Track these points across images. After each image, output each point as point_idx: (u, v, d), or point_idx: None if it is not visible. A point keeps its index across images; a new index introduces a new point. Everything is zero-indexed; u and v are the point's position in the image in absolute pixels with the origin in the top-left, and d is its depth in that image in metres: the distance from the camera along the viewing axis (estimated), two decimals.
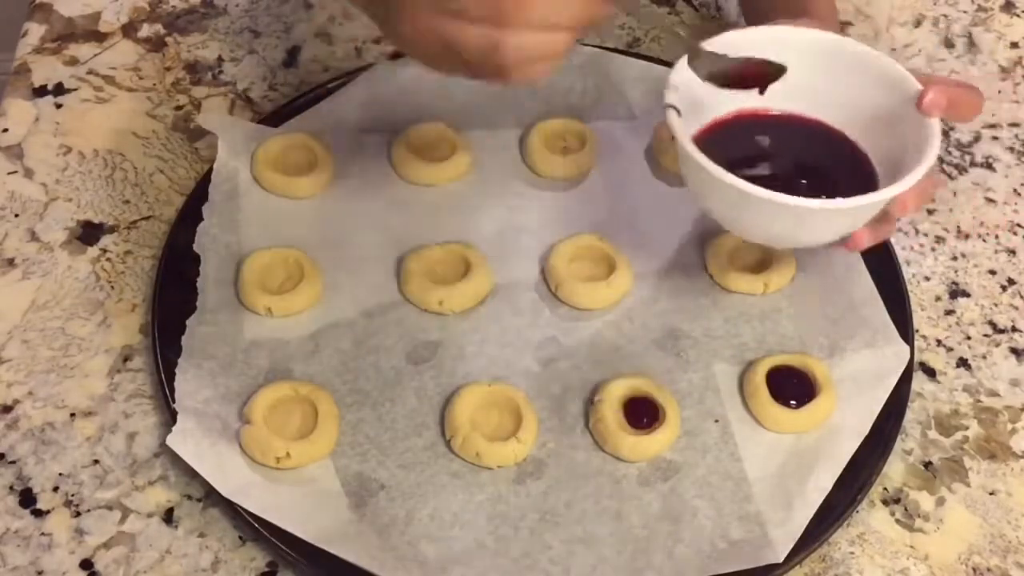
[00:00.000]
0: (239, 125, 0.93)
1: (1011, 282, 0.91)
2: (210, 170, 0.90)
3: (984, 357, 0.86)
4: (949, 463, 0.81)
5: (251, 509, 0.74)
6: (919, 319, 0.87)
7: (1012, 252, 0.92)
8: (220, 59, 1.01)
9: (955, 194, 0.96)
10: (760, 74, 0.76)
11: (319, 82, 0.97)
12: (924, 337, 0.87)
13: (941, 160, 0.97)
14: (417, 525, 0.75)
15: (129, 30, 1.03)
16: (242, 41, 1.02)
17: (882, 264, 0.88)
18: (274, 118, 0.94)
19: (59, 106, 0.97)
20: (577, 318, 0.85)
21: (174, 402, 0.78)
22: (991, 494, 0.80)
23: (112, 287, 0.86)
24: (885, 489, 0.79)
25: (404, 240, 0.88)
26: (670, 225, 0.91)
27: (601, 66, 0.98)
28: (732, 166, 0.72)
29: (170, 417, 0.77)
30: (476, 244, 0.88)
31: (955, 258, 0.92)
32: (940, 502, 0.79)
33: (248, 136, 0.92)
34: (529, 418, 0.79)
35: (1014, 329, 0.88)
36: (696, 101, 0.77)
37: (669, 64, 0.98)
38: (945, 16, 1.08)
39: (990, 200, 0.95)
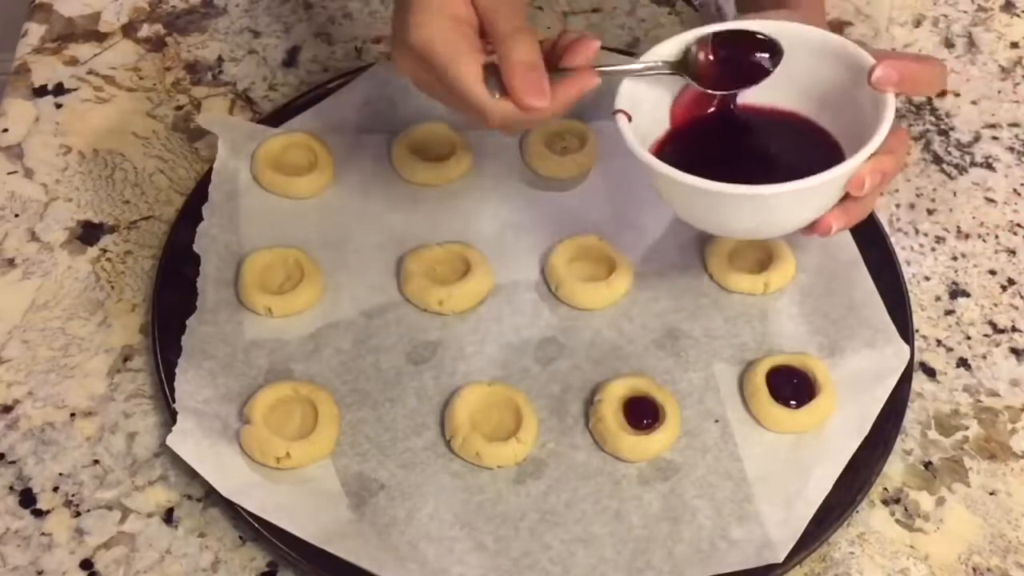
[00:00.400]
0: (239, 125, 0.93)
1: (1011, 282, 0.91)
2: (210, 170, 0.90)
3: (984, 357, 0.86)
4: (949, 463, 0.81)
5: (251, 509, 0.74)
6: (919, 319, 0.87)
7: (1012, 252, 0.92)
8: (220, 59, 1.01)
9: (955, 194, 0.96)
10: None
11: (319, 82, 0.97)
12: (924, 337, 0.87)
13: (941, 160, 0.97)
14: (417, 525, 0.75)
15: (129, 30, 1.03)
16: (242, 41, 1.02)
17: (882, 264, 0.88)
18: (274, 118, 0.94)
19: (59, 106, 0.97)
20: (577, 318, 0.85)
21: (174, 402, 0.78)
22: (991, 494, 0.80)
23: (112, 287, 0.86)
24: (885, 489, 0.79)
25: (404, 240, 0.88)
26: (670, 225, 0.91)
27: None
28: (696, 164, 0.72)
29: (170, 417, 0.77)
30: (476, 244, 0.88)
31: (955, 258, 0.92)
32: (940, 502, 0.79)
33: (248, 136, 0.92)
34: (529, 418, 0.79)
35: (1014, 329, 0.88)
36: (655, 104, 0.78)
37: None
38: (945, 16, 1.08)
39: (990, 200, 0.95)
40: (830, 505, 0.76)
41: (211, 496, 0.76)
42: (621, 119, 0.75)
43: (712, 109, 0.81)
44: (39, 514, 0.76)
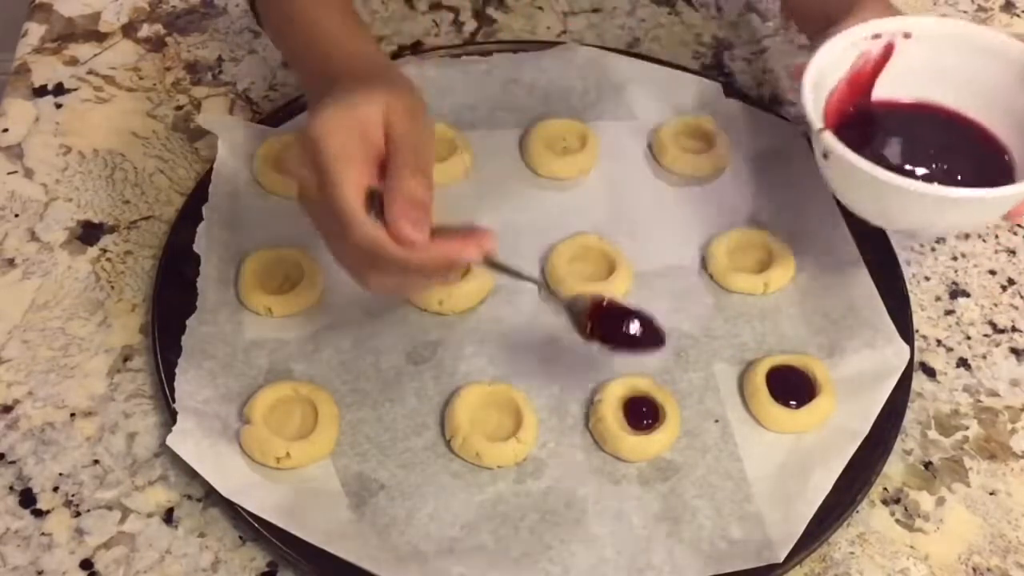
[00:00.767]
0: (239, 125, 0.93)
1: (1011, 282, 0.91)
2: (210, 170, 0.90)
3: (984, 357, 0.86)
4: (949, 463, 0.81)
5: (251, 509, 0.74)
6: (919, 319, 0.87)
7: (1012, 252, 0.92)
8: (220, 59, 1.01)
9: None
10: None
11: None
12: (924, 337, 0.87)
13: None
14: (417, 525, 0.75)
15: (129, 30, 1.03)
16: (242, 41, 1.02)
17: (882, 264, 0.88)
18: (274, 118, 0.94)
19: (59, 106, 0.97)
20: None
21: (174, 402, 0.78)
22: (991, 494, 0.80)
23: (112, 287, 0.86)
24: (885, 489, 0.79)
25: None
26: (670, 225, 0.91)
27: (601, 66, 0.98)
28: (871, 157, 0.74)
29: (170, 417, 0.77)
30: None
31: (955, 258, 0.92)
32: (940, 502, 0.79)
33: (248, 136, 0.92)
34: (529, 418, 0.79)
35: (1014, 329, 0.88)
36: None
37: (669, 64, 0.99)
38: (945, 16, 1.08)
39: None
40: (830, 505, 0.76)
41: (211, 496, 0.76)
42: (828, 137, 0.75)
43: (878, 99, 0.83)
44: (39, 514, 0.76)
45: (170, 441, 0.76)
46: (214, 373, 0.80)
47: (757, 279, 0.86)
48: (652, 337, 0.76)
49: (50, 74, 0.99)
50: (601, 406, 0.79)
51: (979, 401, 0.84)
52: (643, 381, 0.80)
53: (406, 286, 0.71)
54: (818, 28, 0.82)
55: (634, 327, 0.76)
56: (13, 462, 0.78)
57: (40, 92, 0.97)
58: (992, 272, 0.91)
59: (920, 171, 0.79)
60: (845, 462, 0.78)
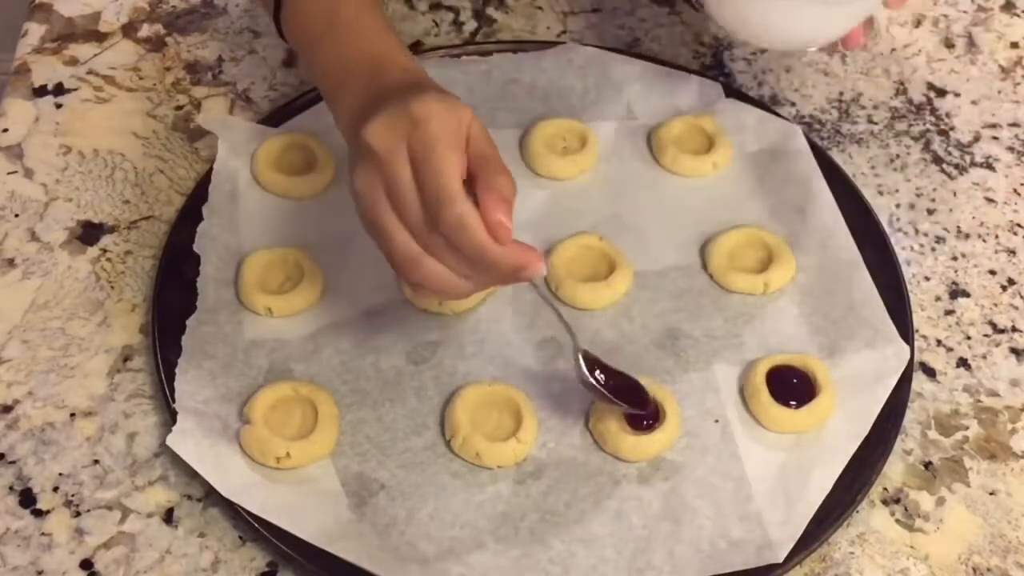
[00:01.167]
0: (239, 125, 0.93)
1: (1011, 282, 0.91)
2: (210, 170, 0.90)
3: (984, 357, 0.86)
4: (949, 463, 0.81)
5: (251, 509, 0.74)
6: (919, 319, 0.87)
7: (1012, 252, 0.92)
8: (220, 59, 1.01)
9: (955, 194, 0.96)
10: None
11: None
12: (924, 337, 0.87)
13: (941, 160, 0.97)
14: (417, 525, 0.75)
15: (129, 30, 1.03)
16: (242, 41, 1.02)
17: (882, 264, 0.88)
18: (274, 118, 0.94)
19: (59, 106, 0.97)
20: (577, 318, 0.85)
21: (174, 402, 0.78)
22: (991, 494, 0.80)
23: (112, 287, 0.86)
24: (885, 489, 0.79)
25: None
26: (670, 225, 0.91)
27: (601, 66, 0.98)
28: None
29: (170, 417, 0.77)
30: None
31: (955, 258, 0.92)
32: (940, 502, 0.79)
33: (248, 136, 0.92)
34: (529, 418, 0.79)
35: (1014, 329, 0.88)
36: None
37: (669, 64, 1.00)
38: (945, 16, 1.08)
39: (990, 200, 0.95)
40: (830, 505, 0.76)
41: (211, 496, 0.76)
42: None
43: None
44: (39, 514, 0.76)
45: (170, 441, 0.76)
46: (214, 373, 0.80)
47: (757, 279, 0.86)
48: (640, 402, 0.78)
49: (50, 74, 0.99)
50: (601, 406, 0.79)
51: (979, 401, 0.84)
52: (643, 381, 0.80)
53: (455, 285, 0.70)
54: None
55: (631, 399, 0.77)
56: (13, 462, 0.78)
57: (40, 92, 0.97)
58: (992, 272, 0.91)
59: None
60: (845, 462, 0.78)
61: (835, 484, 0.77)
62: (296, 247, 0.86)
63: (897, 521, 0.78)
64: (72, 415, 0.80)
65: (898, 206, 0.94)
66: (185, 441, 0.76)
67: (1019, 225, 0.94)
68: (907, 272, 0.89)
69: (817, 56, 1.04)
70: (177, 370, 0.79)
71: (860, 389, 0.81)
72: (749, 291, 0.87)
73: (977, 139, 0.99)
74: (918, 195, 0.95)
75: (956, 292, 0.90)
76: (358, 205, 0.70)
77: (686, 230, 0.90)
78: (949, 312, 0.89)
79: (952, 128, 1.00)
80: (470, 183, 0.68)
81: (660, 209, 0.92)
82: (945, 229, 0.93)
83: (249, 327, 0.83)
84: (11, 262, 0.87)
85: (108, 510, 0.76)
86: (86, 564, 0.74)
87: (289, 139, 0.92)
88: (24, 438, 0.79)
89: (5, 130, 0.95)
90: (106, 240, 0.89)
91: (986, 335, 0.87)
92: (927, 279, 0.90)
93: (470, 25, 1.05)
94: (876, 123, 0.99)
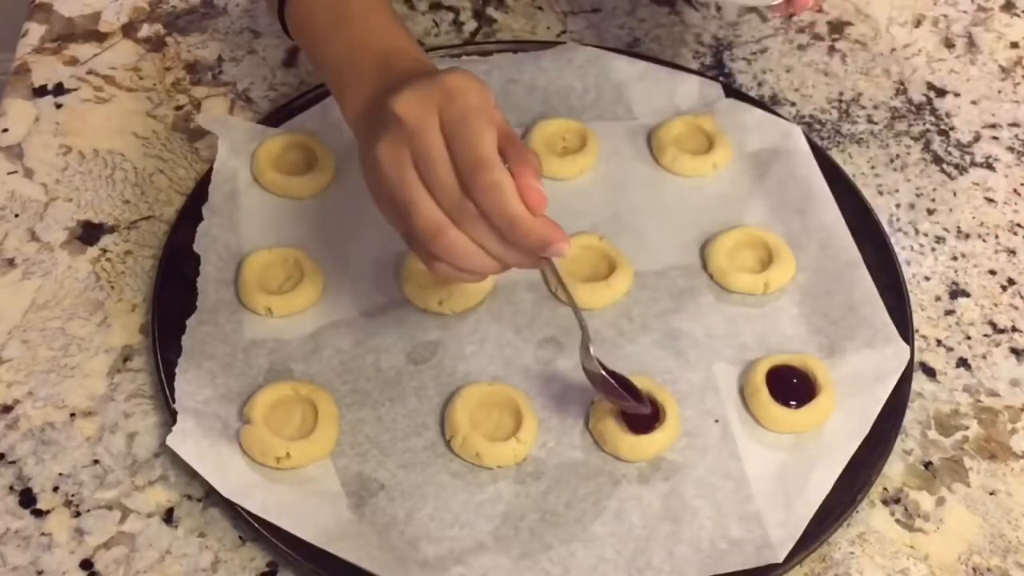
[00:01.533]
0: (239, 125, 0.93)
1: (1011, 282, 0.91)
2: (210, 170, 0.90)
3: (984, 357, 0.86)
4: (949, 463, 0.81)
5: (251, 509, 0.74)
6: (919, 319, 0.87)
7: (1012, 252, 0.92)
8: (220, 59, 1.01)
9: (955, 194, 0.96)
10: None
11: (319, 82, 0.97)
12: (924, 337, 0.87)
13: (941, 160, 0.97)
14: (417, 525, 0.75)
15: (129, 30, 1.03)
16: (242, 41, 1.02)
17: (882, 264, 0.88)
18: (274, 118, 0.94)
19: (59, 106, 0.97)
20: None
21: (174, 402, 0.78)
22: (991, 494, 0.80)
23: (112, 287, 0.86)
24: (885, 489, 0.79)
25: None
26: (670, 225, 0.91)
27: (601, 66, 0.98)
28: None
29: (170, 417, 0.77)
30: None
31: (955, 258, 0.92)
32: (940, 502, 0.79)
33: (248, 136, 0.92)
34: (529, 418, 0.79)
35: (1014, 329, 0.88)
36: None
37: (669, 64, 1.00)
38: (945, 16, 1.08)
39: (990, 200, 0.95)
40: (830, 505, 0.76)
41: (211, 496, 0.76)
42: None
43: None
44: (39, 514, 0.76)
45: (170, 441, 0.76)
46: (214, 373, 0.80)
47: (757, 279, 0.86)
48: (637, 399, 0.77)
49: (50, 74, 0.99)
50: (601, 406, 0.79)
51: (979, 401, 0.84)
52: (643, 381, 0.80)
53: (476, 258, 0.69)
54: None
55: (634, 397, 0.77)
56: (13, 462, 0.78)
57: (40, 92, 0.97)
58: (992, 272, 0.91)
59: None
60: (845, 462, 0.78)
61: (835, 484, 0.77)
62: (296, 247, 0.86)
63: (897, 521, 0.78)
64: (72, 415, 0.80)
65: (898, 206, 0.94)
66: (185, 441, 0.76)
67: (1019, 225, 0.94)
68: (907, 272, 0.89)
69: (817, 56, 1.04)
70: (177, 370, 0.79)
71: (860, 389, 0.81)
72: (749, 291, 0.87)
73: (977, 139, 0.99)
74: (918, 195, 0.95)
75: (956, 292, 0.90)
76: (380, 176, 0.69)
77: (686, 230, 0.90)
78: (949, 312, 0.89)
79: (952, 128, 1.00)
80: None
81: (660, 209, 0.92)
82: (945, 229, 0.93)
83: (249, 327, 0.83)
84: (11, 262, 0.87)
85: (108, 510, 0.76)
86: (86, 564, 0.74)
87: (289, 139, 0.92)
88: (24, 438, 0.79)
89: (5, 130, 0.95)
90: (106, 240, 0.89)
91: (986, 335, 0.87)
92: (927, 279, 0.90)
93: (470, 25, 1.05)
94: (876, 123, 0.99)
